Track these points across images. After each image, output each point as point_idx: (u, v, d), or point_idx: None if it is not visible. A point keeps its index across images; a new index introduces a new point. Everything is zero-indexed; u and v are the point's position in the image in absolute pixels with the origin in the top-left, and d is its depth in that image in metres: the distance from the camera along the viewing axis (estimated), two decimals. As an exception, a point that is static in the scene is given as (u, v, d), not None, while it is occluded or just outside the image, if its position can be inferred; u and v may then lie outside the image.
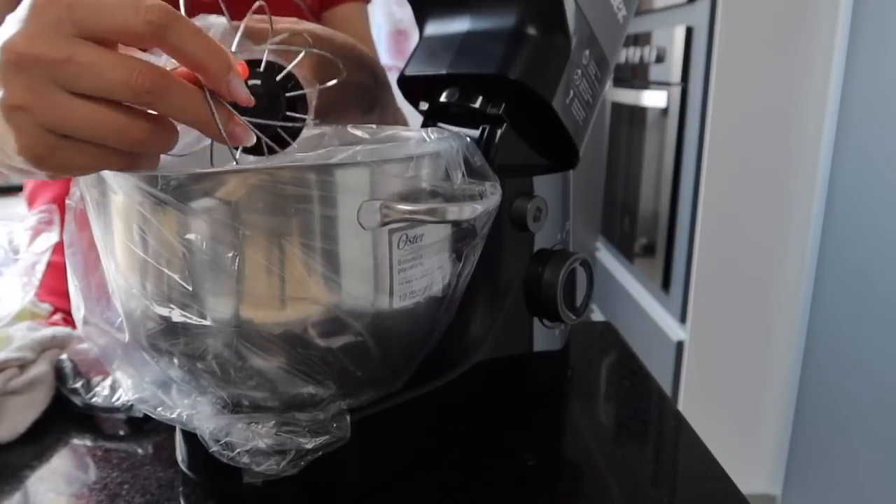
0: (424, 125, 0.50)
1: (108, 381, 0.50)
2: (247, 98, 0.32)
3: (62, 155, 0.30)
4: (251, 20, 0.37)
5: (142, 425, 0.49)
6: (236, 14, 0.36)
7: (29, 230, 0.61)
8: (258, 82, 0.35)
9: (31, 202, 0.78)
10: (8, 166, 0.33)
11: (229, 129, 0.32)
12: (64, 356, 0.52)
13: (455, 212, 0.34)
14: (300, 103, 0.37)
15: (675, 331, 1.54)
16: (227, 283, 0.33)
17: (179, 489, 0.41)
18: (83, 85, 0.28)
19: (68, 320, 0.66)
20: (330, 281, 0.34)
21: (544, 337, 0.50)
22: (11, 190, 1.96)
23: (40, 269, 0.59)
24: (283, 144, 0.37)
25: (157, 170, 0.34)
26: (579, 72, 0.47)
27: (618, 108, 2.02)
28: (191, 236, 0.32)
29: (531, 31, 0.45)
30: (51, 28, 0.28)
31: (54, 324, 0.65)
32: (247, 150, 0.35)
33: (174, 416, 0.37)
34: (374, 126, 0.49)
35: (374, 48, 0.87)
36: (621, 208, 1.98)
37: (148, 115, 0.30)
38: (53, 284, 0.68)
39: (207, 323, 0.34)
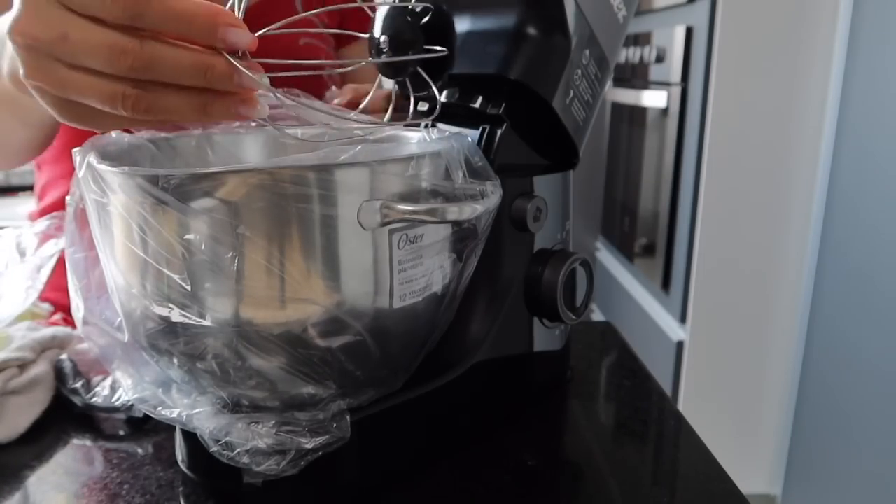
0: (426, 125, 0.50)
1: (108, 381, 0.50)
2: (248, 42, 0.31)
3: (91, 117, 0.32)
4: None
5: (142, 425, 0.49)
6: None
7: (38, 234, 0.61)
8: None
9: (41, 196, 0.78)
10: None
11: (234, 82, 0.31)
12: (64, 356, 0.52)
13: (455, 212, 0.34)
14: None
15: (675, 331, 1.54)
16: (227, 283, 0.33)
17: (179, 489, 0.41)
18: (78, 61, 0.30)
19: (68, 320, 0.66)
20: (330, 281, 0.34)
21: (544, 337, 0.50)
22: (11, 190, 1.96)
23: (45, 272, 0.59)
24: (424, 86, 0.40)
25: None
26: (579, 72, 0.47)
27: (618, 108, 2.02)
28: (190, 236, 0.32)
29: (531, 31, 0.45)
30: (43, 7, 0.30)
31: (54, 324, 0.65)
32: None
33: (174, 416, 0.37)
34: (374, 126, 0.49)
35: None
36: (621, 208, 1.98)
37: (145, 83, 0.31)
38: (56, 280, 0.68)
39: (207, 323, 0.34)
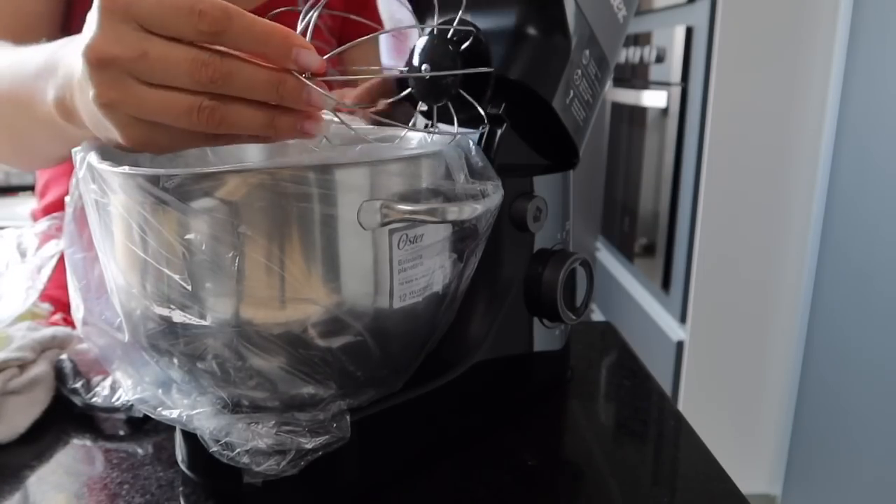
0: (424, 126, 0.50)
1: (108, 381, 0.50)
2: (318, 65, 0.32)
3: (160, 139, 0.33)
4: None
5: (142, 425, 0.49)
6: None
7: (38, 234, 0.61)
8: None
9: (42, 194, 0.78)
10: (124, 149, 0.36)
11: (304, 99, 0.33)
12: (64, 356, 0.52)
13: (455, 212, 0.34)
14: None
15: (675, 331, 1.54)
16: (228, 283, 0.33)
17: (179, 489, 0.41)
18: (157, 78, 0.31)
19: (68, 320, 0.65)
20: (330, 281, 0.34)
21: (544, 337, 0.50)
22: (11, 190, 1.96)
23: (46, 273, 0.59)
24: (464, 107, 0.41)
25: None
26: (579, 72, 0.47)
27: (618, 108, 2.02)
28: (191, 236, 0.32)
29: (531, 31, 0.45)
30: (121, 27, 0.31)
31: (54, 324, 0.65)
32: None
33: (174, 416, 0.37)
34: (374, 126, 0.49)
35: None
36: (621, 208, 1.98)
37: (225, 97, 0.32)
38: (56, 280, 0.68)
39: (207, 323, 0.34)
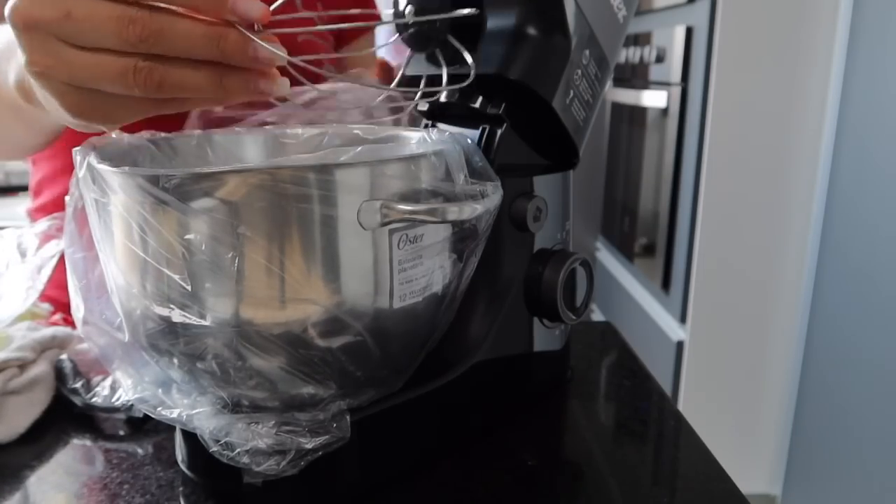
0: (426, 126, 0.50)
1: (108, 381, 0.50)
2: (259, 12, 0.29)
3: (103, 107, 0.31)
4: None
5: (142, 425, 0.49)
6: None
7: (39, 234, 0.61)
8: None
9: (36, 193, 0.78)
10: (73, 124, 0.34)
11: (249, 55, 0.30)
12: (64, 356, 0.52)
13: (455, 212, 0.34)
14: None
15: (675, 331, 1.54)
16: (227, 283, 0.33)
17: (179, 489, 0.41)
18: (85, 40, 0.29)
19: (68, 320, 0.65)
20: (330, 281, 0.34)
21: (544, 337, 0.50)
22: (11, 190, 1.96)
23: (46, 273, 0.59)
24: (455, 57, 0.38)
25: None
26: (579, 72, 0.47)
27: (618, 108, 2.02)
28: (191, 236, 0.32)
29: (531, 31, 0.44)
30: None
31: (54, 324, 0.65)
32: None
33: (174, 416, 0.37)
34: (374, 126, 0.49)
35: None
36: (621, 208, 1.98)
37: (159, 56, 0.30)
38: (56, 280, 0.68)
39: (207, 323, 0.34)
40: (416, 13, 0.38)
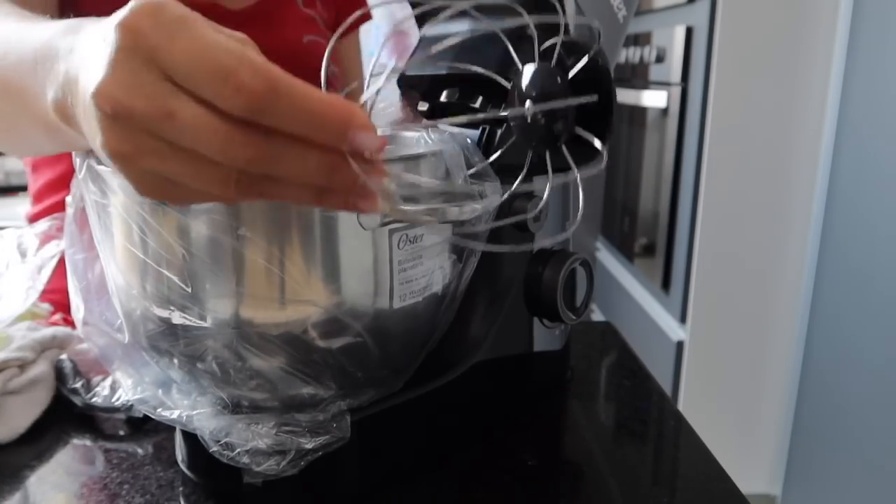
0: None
1: (108, 381, 0.50)
2: (376, 146, 0.27)
3: (184, 197, 0.28)
4: None
5: (142, 425, 0.49)
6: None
7: (39, 235, 0.61)
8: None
9: (36, 200, 0.78)
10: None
11: (350, 200, 0.28)
12: (64, 356, 0.52)
13: (455, 212, 0.34)
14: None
15: (675, 331, 1.54)
16: (227, 284, 0.33)
17: (179, 489, 0.41)
18: (182, 141, 0.26)
19: (68, 320, 0.65)
20: (330, 282, 0.34)
21: (544, 337, 0.50)
22: (11, 190, 1.96)
23: (46, 273, 0.59)
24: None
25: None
26: (579, 72, 0.47)
27: (618, 108, 2.02)
28: (190, 237, 0.32)
29: (531, 31, 0.44)
30: (143, 74, 0.25)
31: (54, 324, 0.65)
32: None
33: (174, 416, 0.37)
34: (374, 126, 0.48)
35: (363, 78, 0.91)
36: (621, 208, 1.98)
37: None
38: (56, 280, 0.68)
39: (207, 324, 0.34)
40: (537, 99, 0.32)
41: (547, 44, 0.32)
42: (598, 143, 0.34)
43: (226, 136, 0.25)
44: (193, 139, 0.25)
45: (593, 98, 0.32)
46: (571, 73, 0.31)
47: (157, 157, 0.26)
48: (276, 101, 0.24)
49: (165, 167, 0.26)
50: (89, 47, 0.28)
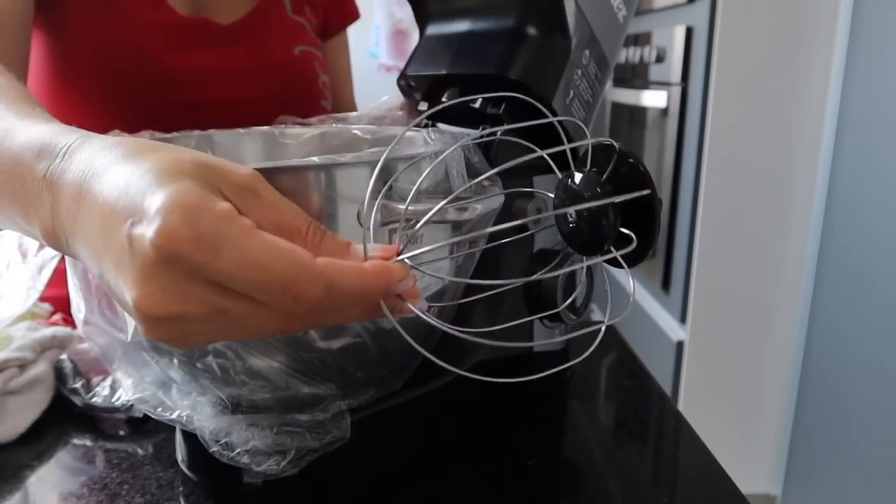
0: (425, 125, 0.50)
1: (108, 381, 0.50)
2: (408, 290, 0.29)
3: (208, 341, 0.28)
4: None
5: (142, 425, 0.49)
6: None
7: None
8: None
9: None
10: None
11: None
12: (64, 356, 0.52)
13: (455, 212, 0.34)
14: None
15: (675, 331, 1.54)
16: (227, 284, 0.33)
17: (179, 489, 0.41)
18: (236, 330, 0.27)
19: (68, 320, 0.66)
20: (330, 281, 0.34)
21: (544, 337, 0.50)
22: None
23: (46, 273, 0.59)
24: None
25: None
26: (579, 72, 0.47)
27: (618, 108, 2.02)
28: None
29: (531, 31, 0.45)
30: (188, 285, 0.24)
31: (54, 324, 0.65)
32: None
33: (174, 416, 0.37)
34: (374, 126, 0.49)
35: (351, 78, 0.91)
36: (621, 208, 1.98)
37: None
38: (57, 280, 0.68)
39: (207, 323, 0.34)
40: (584, 224, 0.31)
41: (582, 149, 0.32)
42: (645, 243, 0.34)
43: (281, 321, 0.26)
44: (249, 326, 0.26)
45: (644, 192, 0.32)
46: (614, 177, 0.31)
47: (205, 339, 0.27)
48: (332, 299, 0.25)
49: (211, 340, 0.27)
50: (98, 232, 0.26)
